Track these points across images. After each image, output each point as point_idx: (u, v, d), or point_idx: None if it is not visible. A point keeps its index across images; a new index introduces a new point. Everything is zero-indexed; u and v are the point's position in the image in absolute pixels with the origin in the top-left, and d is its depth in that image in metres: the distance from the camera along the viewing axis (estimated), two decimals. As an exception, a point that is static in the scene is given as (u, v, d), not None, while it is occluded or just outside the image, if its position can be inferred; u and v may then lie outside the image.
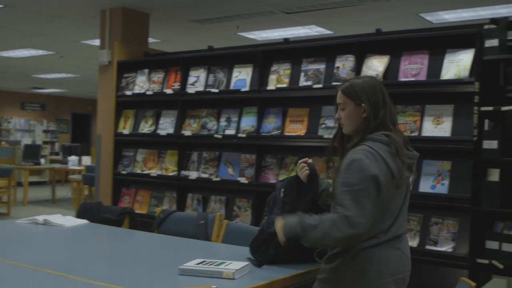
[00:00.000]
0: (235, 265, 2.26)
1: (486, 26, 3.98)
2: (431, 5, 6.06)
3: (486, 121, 3.84)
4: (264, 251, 2.46)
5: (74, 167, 10.82)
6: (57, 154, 16.54)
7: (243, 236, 3.13)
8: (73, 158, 11.12)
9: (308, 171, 2.51)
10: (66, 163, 11.47)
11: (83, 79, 14.01)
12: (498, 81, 4.15)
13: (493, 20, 4.05)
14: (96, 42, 8.42)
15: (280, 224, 2.24)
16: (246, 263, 2.31)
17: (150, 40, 6.74)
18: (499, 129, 3.83)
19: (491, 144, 3.76)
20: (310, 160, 2.55)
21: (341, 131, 2.39)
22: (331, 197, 2.23)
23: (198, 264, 2.29)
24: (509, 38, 4.13)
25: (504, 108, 3.77)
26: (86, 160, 10.88)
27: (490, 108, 3.82)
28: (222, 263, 2.29)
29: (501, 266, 3.66)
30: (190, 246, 2.98)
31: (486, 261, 3.67)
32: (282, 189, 2.54)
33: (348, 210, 2.07)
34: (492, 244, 3.71)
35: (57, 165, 12.10)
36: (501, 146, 3.77)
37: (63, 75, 13.45)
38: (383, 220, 2.19)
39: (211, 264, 2.28)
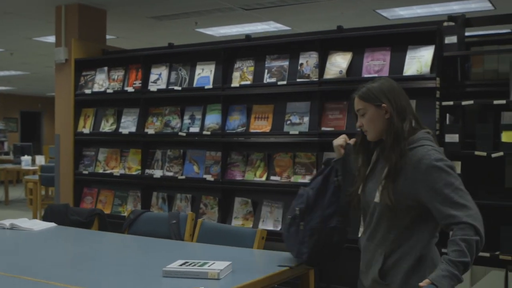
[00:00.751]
0: (218, 265, 2.27)
1: (445, 23, 4.11)
2: (388, 2, 6.19)
3: (448, 116, 3.97)
4: (332, 248, 2.43)
5: (28, 167, 10.54)
6: (7, 153, 16.05)
7: (218, 235, 3.15)
8: (26, 158, 10.82)
9: (344, 143, 2.44)
10: (18, 163, 11.16)
11: (33, 76, 13.64)
12: (456, 77, 4.31)
13: (451, 17, 4.19)
14: (49, 39, 8.23)
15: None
16: (229, 262, 2.33)
17: (106, 36, 6.63)
18: (459, 123, 3.97)
19: (452, 138, 3.89)
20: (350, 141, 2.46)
21: (364, 138, 2.30)
22: (390, 208, 2.12)
23: (181, 265, 2.29)
24: (466, 34, 4.29)
25: (464, 103, 3.91)
26: (40, 160, 10.61)
27: (451, 103, 3.95)
28: (205, 263, 2.31)
29: (464, 255, 3.80)
30: (167, 247, 2.97)
31: (450, 251, 3.79)
32: (336, 178, 2.46)
33: (467, 209, 2.00)
34: (455, 234, 3.83)
35: (9, 165, 11.75)
36: (462, 139, 3.91)
37: (13, 72, 13.06)
38: None
39: (195, 265, 2.28)
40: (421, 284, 1.93)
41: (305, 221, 2.46)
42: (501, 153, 3.77)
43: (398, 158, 2.11)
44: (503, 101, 3.82)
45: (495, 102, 3.84)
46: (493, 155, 3.79)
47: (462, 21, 4.16)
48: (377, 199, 2.18)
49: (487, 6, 6.18)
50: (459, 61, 4.29)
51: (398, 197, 2.10)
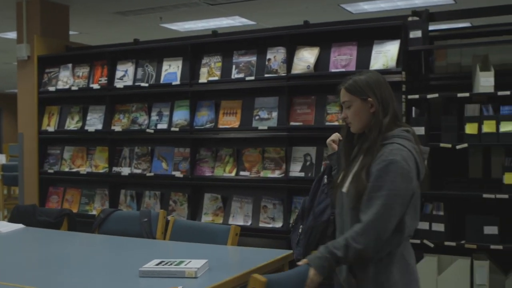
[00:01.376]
0: (195, 264, 2.27)
1: (410, 18, 4.18)
2: (352, -4, 6.27)
3: (413, 109, 4.05)
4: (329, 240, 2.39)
5: (-12, 166, 10.26)
6: (-35, 152, 15.59)
7: (191, 233, 3.14)
8: (-14, 157, 10.56)
9: (336, 138, 2.52)
10: (-22, 162, 10.86)
11: (-9, 73, 13.30)
12: (421, 70, 4.40)
13: (415, 12, 4.26)
14: (9, 35, 8.06)
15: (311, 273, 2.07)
16: (205, 260, 2.33)
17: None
18: (425, 115, 4.05)
19: (419, 130, 3.96)
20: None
21: (348, 131, 2.29)
22: (355, 201, 2.13)
23: (157, 264, 2.28)
24: (430, 29, 4.37)
25: (429, 96, 3.99)
26: (1, 159, 10.37)
27: (417, 96, 4.03)
28: (181, 262, 2.30)
29: (431, 245, 3.90)
30: (140, 246, 2.95)
31: (417, 241, 3.89)
32: (325, 176, 2.51)
33: (378, 218, 2.03)
34: (423, 225, 3.93)
35: (-32, 165, 11.43)
36: (428, 132, 3.99)
37: (-30, 69, 12.71)
38: (416, 219, 2.19)
39: (171, 264, 2.28)
40: (298, 263, 2.12)
41: (303, 224, 2.54)
42: (465, 145, 3.87)
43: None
44: (467, 94, 3.91)
45: (459, 95, 3.93)
46: (458, 147, 3.89)
47: (426, 16, 4.24)
48: (344, 188, 2.20)
49: (448, 0, 6.31)
50: (423, 55, 4.38)
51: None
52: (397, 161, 2.06)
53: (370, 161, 2.12)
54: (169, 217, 4.62)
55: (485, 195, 3.78)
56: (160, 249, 2.96)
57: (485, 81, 3.86)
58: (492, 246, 3.75)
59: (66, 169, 5.62)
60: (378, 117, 2.16)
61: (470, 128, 3.88)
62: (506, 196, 3.72)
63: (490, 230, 3.78)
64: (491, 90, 3.83)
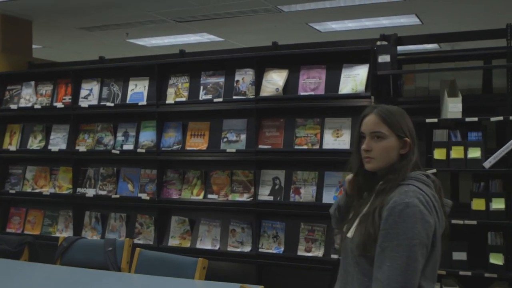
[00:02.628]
0: (162, 305, 2.19)
1: (378, 42, 4.19)
2: (320, 16, 6.25)
3: (382, 133, 4.04)
4: None
5: None
6: None
7: (157, 264, 3.06)
8: None
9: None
10: None
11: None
12: (389, 94, 4.41)
13: (383, 36, 4.28)
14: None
15: None
16: (172, 300, 2.25)
17: (32, 46, 6.34)
18: (394, 140, 4.04)
19: (387, 156, 3.96)
20: None
21: (363, 169, 1.94)
22: (362, 248, 1.81)
23: (122, 306, 2.20)
24: (398, 53, 4.39)
25: (398, 121, 3.99)
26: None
27: (385, 121, 4.02)
28: (147, 303, 2.22)
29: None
30: (105, 280, 2.84)
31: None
32: None
33: (400, 273, 1.69)
34: (392, 250, 3.91)
35: None
36: (396, 157, 3.98)
37: None
38: (433, 280, 1.88)
39: (137, 306, 2.20)
40: None
41: None
42: (434, 170, 3.87)
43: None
44: (435, 120, 3.93)
45: (428, 120, 3.94)
46: (427, 172, 3.88)
47: (395, 40, 4.26)
48: (350, 233, 1.89)
49: (415, 21, 6.37)
50: (392, 79, 4.39)
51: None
52: (415, 204, 1.74)
53: (381, 203, 1.81)
54: (135, 240, 4.54)
55: (453, 221, 3.78)
56: (127, 284, 2.86)
57: (453, 107, 3.88)
58: (461, 272, 3.75)
59: (29, 190, 5.45)
60: (409, 160, 1.88)
61: (439, 154, 3.89)
62: (474, 222, 3.74)
63: (459, 256, 3.79)
64: (459, 116, 3.85)
